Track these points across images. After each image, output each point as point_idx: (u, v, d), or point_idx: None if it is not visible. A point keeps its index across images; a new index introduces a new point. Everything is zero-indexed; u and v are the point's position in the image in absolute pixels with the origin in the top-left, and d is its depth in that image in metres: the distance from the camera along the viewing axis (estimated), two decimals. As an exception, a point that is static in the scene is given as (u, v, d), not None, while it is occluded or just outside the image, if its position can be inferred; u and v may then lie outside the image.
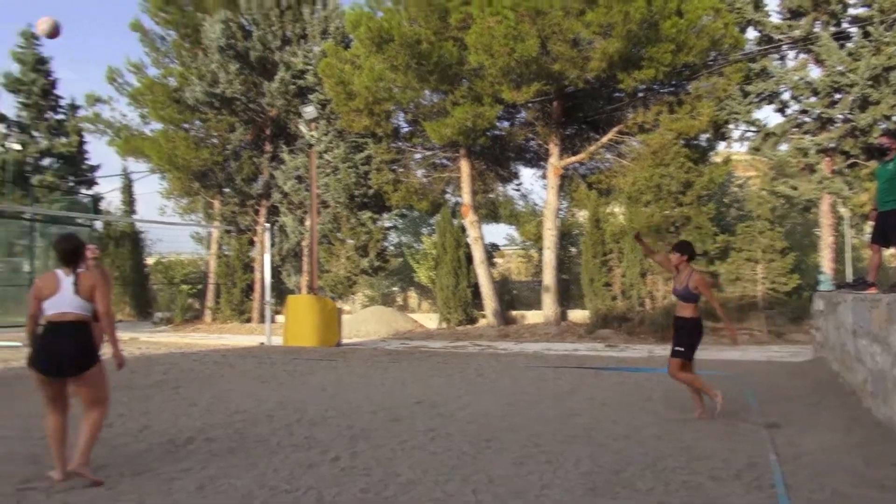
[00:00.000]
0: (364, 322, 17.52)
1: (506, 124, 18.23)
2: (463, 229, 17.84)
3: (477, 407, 6.62)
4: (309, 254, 18.75)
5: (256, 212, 20.64)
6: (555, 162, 16.57)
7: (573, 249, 19.82)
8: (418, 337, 15.79)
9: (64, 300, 4.09)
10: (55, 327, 4.07)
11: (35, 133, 27.72)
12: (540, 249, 18.41)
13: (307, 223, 18.97)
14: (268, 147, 20.45)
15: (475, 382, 8.37)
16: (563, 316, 16.86)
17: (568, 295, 18.32)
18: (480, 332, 15.99)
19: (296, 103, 19.14)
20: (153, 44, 20.96)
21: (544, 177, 18.02)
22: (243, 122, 20.01)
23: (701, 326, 5.94)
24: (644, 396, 7.10)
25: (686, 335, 5.86)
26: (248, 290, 20.43)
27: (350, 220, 19.27)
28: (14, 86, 27.42)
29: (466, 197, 17.45)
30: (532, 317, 17.65)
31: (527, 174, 58.16)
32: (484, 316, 17.50)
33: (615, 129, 16.20)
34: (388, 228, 21.10)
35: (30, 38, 27.87)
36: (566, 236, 19.20)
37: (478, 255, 17.26)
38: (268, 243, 15.33)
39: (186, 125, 20.13)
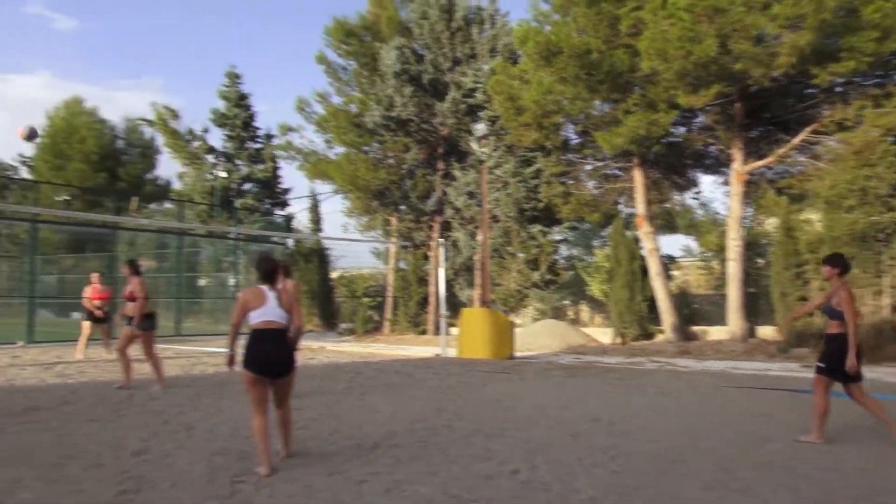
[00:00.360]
0: (536, 335, 17.46)
1: (682, 130, 17.42)
2: (637, 241, 17.25)
3: (658, 426, 6.33)
4: (481, 268, 19.09)
5: (430, 227, 21.41)
6: (738, 167, 15.52)
7: (760, 260, 18.38)
8: (592, 352, 15.44)
9: (270, 311, 4.68)
10: (264, 334, 4.65)
11: (238, 161, 30.99)
12: (722, 261, 17.31)
13: (479, 238, 19.34)
14: (440, 165, 21.17)
15: (655, 401, 8.01)
16: (751, 332, 15.66)
17: (756, 310, 17.00)
18: (658, 348, 15.29)
19: (466, 121, 19.67)
20: (336, 74, 22.61)
21: (726, 183, 16.94)
22: (417, 142, 20.89)
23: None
24: (849, 424, 6.38)
25: (830, 353, 5.47)
26: (424, 302, 21.19)
27: (520, 234, 19.38)
28: (220, 121, 30.92)
29: (640, 207, 16.86)
30: (715, 333, 16.58)
31: (706, 181, 55.02)
32: (661, 331, 16.73)
33: (808, 128, 14.84)
34: (559, 241, 20.95)
35: (233, 77, 31.28)
36: (752, 246, 17.87)
37: (653, 267, 16.58)
38: (441, 258, 15.81)
39: (366, 148, 21.43)
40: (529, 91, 15.81)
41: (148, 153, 37.43)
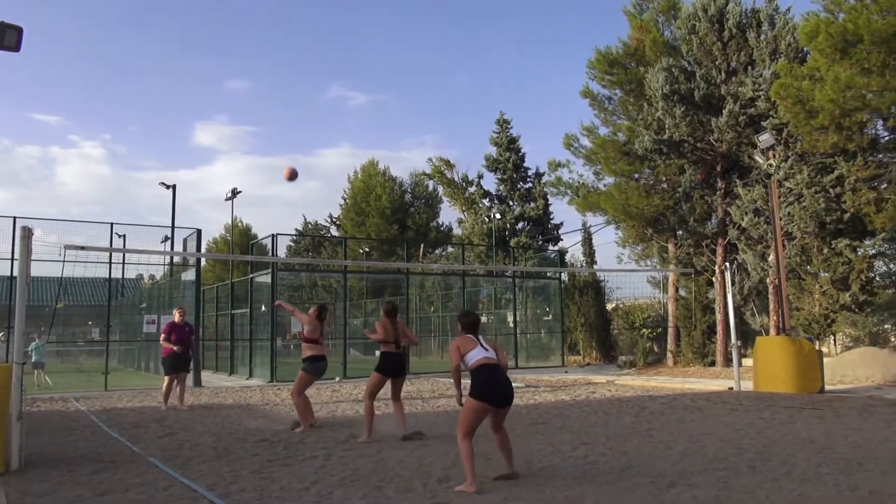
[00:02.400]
0: (851, 365, 15.09)
1: None
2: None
3: None
4: (776, 291, 17.20)
5: (713, 251, 19.95)
6: None
7: None
8: (930, 385, 12.86)
9: (485, 351, 5.36)
10: (492, 369, 5.25)
11: (511, 202, 32.38)
12: None
13: (770, 258, 17.49)
14: (720, 184, 19.72)
15: None
16: None
17: None
18: None
19: (747, 134, 18.11)
20: (602, 105, 22.49)
21: None
22: (692, 162, 19.77)
23: None
24: None
25: None
26: (709, 331, 19.71)
27: (823, 251, 17.08)
28: (493, 165, 32.71)
29: (984, 209, 13.81)
30: None
31: None
32: None
33: None
34: (873, 256, 18.00)
35: (503, 124, 32.99)
36: None
37: None
38: (728, 283, 14.57)
39: (637, 175, 20.85)
40: (823, 90, 14.02)
41: (431, 203, 40.93)
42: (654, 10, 21.04)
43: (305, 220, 47.14)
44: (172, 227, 19.67)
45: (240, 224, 48.36)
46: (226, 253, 41.33)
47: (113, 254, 17.42)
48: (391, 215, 38.54)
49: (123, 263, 18.43)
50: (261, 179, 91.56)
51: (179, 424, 9.34)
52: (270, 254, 19.02)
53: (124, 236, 18.99)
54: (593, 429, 8.18)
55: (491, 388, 5.18)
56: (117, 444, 7.72)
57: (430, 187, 40.44)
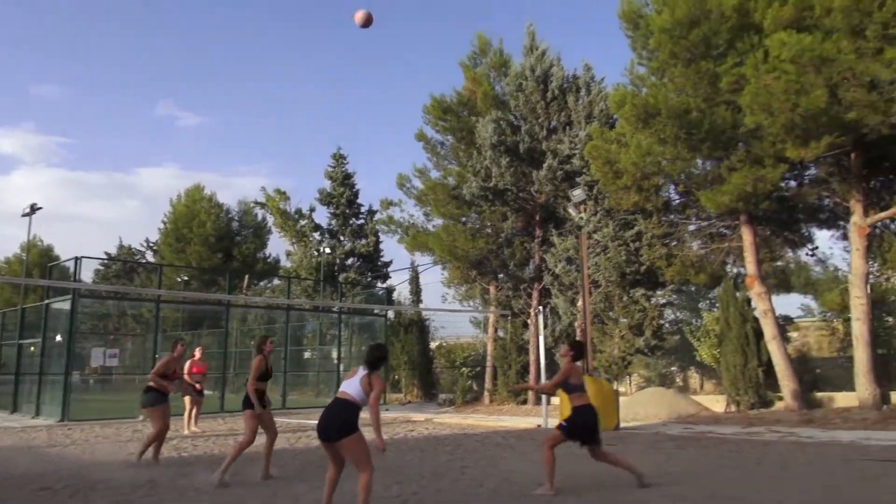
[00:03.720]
0: (642, 404, 16.61)
1: (793, 184, 16.61)
2: (749, 302, 16.31)
3: (784, 504, 5.77)
4: (582, 335, 18.59)
5: (529, 295, 21.19)
6: (858, 220, 14.52)
7: (890, 319, 16.91)
8: (704, 421, 14.48)
9: (345, 385, 5.31)
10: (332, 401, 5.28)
11: (342, 237, 32.24)
12: (846, 320, 16.03)
13: (579, 304, 18.93)
14: (538, 232, 21.11)
15: (778, 476, 7.34)
16: (884, 398, 14.24)
17: (887, 373, 15.50)
18: (777, 417, 14.13)
19: (563, 188, 19.63)
20: (434, 149, 23.32)
21: (845, 238, 15.89)
22: (514, 210, 20.99)
23: None
24: None
25: None
26: (524, 371, 20.76)
27: (623, 299, 18.81)
28: (326, 199, 32.46)
29: (751, 267, 16.01)
30: (842, 399, 15.22)
31: (823, 237, 51.98)
32: (780, 398, 15.52)
33: (935, 176, 13.78)
34: (664, 305, 20.12)
35: (339, 158, 32.96)
36: (879, 304, 16.47)
37: (768, 330, 15.56)
38: (541, 325, 15.54)
39: (464, 219, 21.74)
40: (627, 154, 15.64)
41: (260, 233, 39.65)
42: (487, 65, 22.34)
43: (121, 242, 43.68)
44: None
45: (39, 243, 43.64)
46: (19, 276, 36.86)
47: None
48: (215, 243, 36.78)
49: None
50: (70, 195, 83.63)
51: (-60, 471, 8.09)
52: (73, 278, 17.30)
53: None
54: (409, 467, 8.25)
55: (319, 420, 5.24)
56: None
57: (260, 217, 39.25)
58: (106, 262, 40.53)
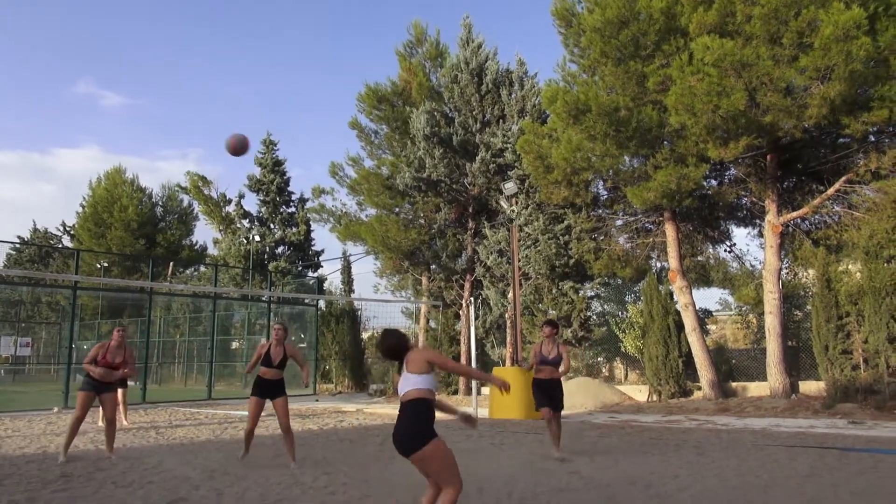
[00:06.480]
0: (570, 394, 16.94)
1: (714, 183, 17.31)
2: (671, 295, 16.95)
3: (699, 489, 6.05)
4: (512, 326, 18.89)
5: (461, 286, 21.37)
6: (772, 219, 15.29)
7: (799, 313, 17.89)
8: (627, 410, 15.00)
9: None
10: None
11: (272, 225, 31.61)
12: (760, 314, 16.87)
13: (509, 296, 19.22)
14: (471, 224, 21.28)
15: (695, 462, 7.69)
16: (793, 388, 15.10)
17: (797, 364, 16.43)
18: (696, 406, 14.80)
19: (496, 181, 19.85)
20: (368, 138, 23.14)
21: (761, 235, 16.69)
22: (447, 202, 21.08)
23: None
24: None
25: None
26: (455, 361, 20.95)
27: (552, 291, 19.20)
28: (256, 186, 31.72)
29: (673, 262, 16.64)
30: (755, 389, 16.03)
31: (740, 234, 54.55)
32: (699, 388, 16.24)
33: (843, 178, 14.62)
34: (591, 298, 20.67)
35: (269, 144, 32.23)
36: (790, 299, 17.42)
37: (689, 322, 16.22)
38: (472, 316, 15.72)
39: (397, 209, 21.69)
40: (558, 149, 15.93)
41: (185, 219, 38.42)
42: (422, 56, 22.30)
43: (35, 226, 41.49)
44: None
45: (-57, 226, 41.00)
46: (-80, 259, 34.55)
47: None
48: (137, 229, 35.43)
49: None
50: (-24, 176, 78.77)
51: None
52: (-20, 264, 16.34)
53: None
54: (337, 458, 8.21)
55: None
56: None
57: (186, 202, 38.02)
58: (18, 245, 38.47)
